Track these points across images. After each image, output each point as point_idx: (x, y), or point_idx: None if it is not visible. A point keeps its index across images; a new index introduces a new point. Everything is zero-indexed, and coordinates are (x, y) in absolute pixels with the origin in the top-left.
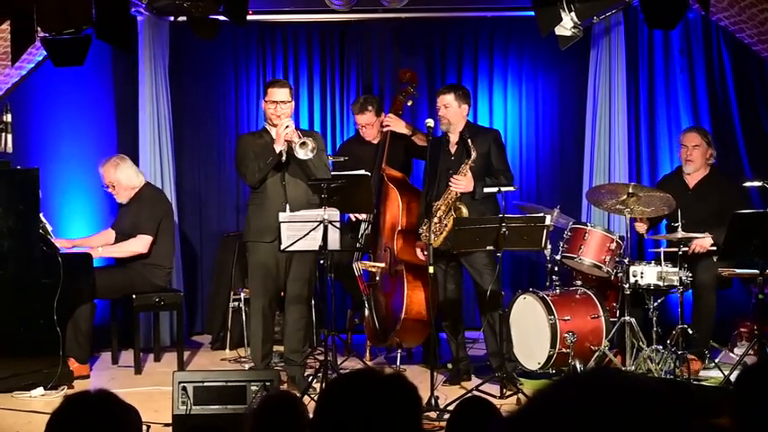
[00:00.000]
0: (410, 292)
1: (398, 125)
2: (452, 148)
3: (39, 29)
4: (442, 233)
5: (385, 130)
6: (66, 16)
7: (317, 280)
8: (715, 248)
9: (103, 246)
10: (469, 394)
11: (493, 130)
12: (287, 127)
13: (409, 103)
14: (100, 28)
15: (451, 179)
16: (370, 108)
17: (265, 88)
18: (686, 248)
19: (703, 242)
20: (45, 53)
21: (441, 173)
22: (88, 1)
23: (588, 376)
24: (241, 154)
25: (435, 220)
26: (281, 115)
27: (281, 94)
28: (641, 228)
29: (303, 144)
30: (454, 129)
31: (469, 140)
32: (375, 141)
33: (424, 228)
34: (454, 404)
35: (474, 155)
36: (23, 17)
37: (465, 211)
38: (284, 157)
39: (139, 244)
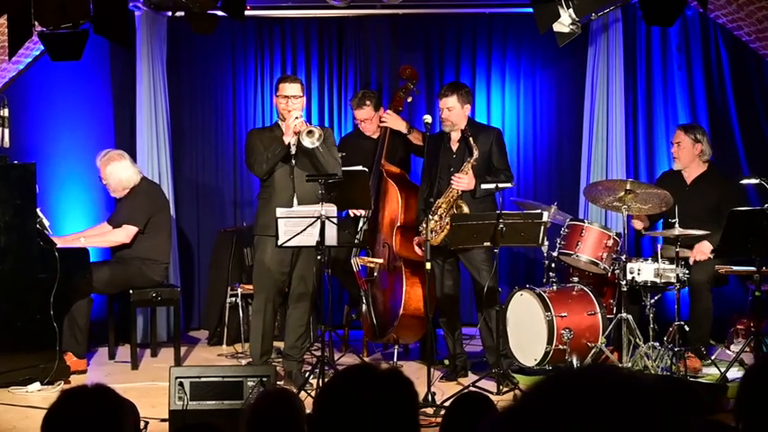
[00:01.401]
0: (408, 288)
1: (395, 122)
2: (454, 146)
3: (36, 23)
4: (442, 231)
5: (381, 125)
6: (64, 11)
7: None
8: (713, 255)
9: (86, 236)
10: (466, 390)
11: (494, 129)
12: (296, 118)
13: (409, 100)
14: (97, 23)
15: (454, 177)
16: (368, 103)
17: (277, 83)
18: (686, 254)
19: (703, 249)
20: (42, 48)
21: (441, 170)
22: None
23: (583, 372)
24: (250, 146)
25: (436, 217)
26: (292, 110)
27: (292, 88)
28: (639, 224)
29: (310, 132)
30: (457, 128)
31: (471, 138)
32: (375, 136)
33: (424, 225)
34: (451, 400)
35: (476, 153)
36: (21, 11)
37: (466, 209)
38: (293, 150)
39: (122, 234)
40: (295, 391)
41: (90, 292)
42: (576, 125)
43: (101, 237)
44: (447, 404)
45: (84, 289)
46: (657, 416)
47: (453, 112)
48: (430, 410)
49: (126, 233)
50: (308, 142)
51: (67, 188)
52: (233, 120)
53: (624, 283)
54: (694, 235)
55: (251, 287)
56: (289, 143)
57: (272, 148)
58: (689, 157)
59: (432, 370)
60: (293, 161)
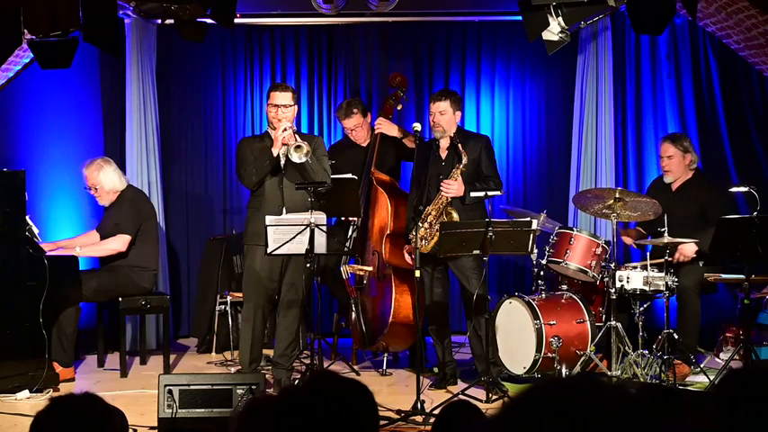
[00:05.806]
0: (398, 296)
1: (390, 128)
2: (443, 153)
3: (26, 31)
4: (432, 238)
5: (376, 132)
6: (54, 18)
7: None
8: (697, 255)
9: (82, 245)
10: (455, 398)
11: (483, 137)
12: (285, 130)
13: (399, 108)
14: (87, 30)
15: (443, 183)
16: (355, 111)
17: (268, 91)
18: (670, 258)
19: (686, 250)
20: (32, 55)
21: (431, 178)
22: (75, 3)
23: (569, 382)
24: (240, 156)
25: (426, 225)
26: (282, 119)
27: (282, 97)
28: (629, 240)
29: (298, 147)
30: (447, 134)
31: (460, 145)
32: (365, 144)
33: (413, 233)
34: (440, 408)
35: (465, 160)
36: (10, 19)
37: (456, 216)
38: (282, 161)
39: (118, 242)
40: None
41: (79, 300)
42: (566, 133)
43: (96, 246)
44: (436, 412)
45: (73, 297)
46: (641, 426)
47: (445, 116)
48: (419, 418)
49: (122, 241)
50: (295, 157)
51: (57, 196)
52: (222, 127)
53: (613, 290)
54: (683, 244)
55: (240, 295)
56: (278, 154)
57: (261, 160)
58: (680, 168)
59: (421, 378)
60: (283, 171)
